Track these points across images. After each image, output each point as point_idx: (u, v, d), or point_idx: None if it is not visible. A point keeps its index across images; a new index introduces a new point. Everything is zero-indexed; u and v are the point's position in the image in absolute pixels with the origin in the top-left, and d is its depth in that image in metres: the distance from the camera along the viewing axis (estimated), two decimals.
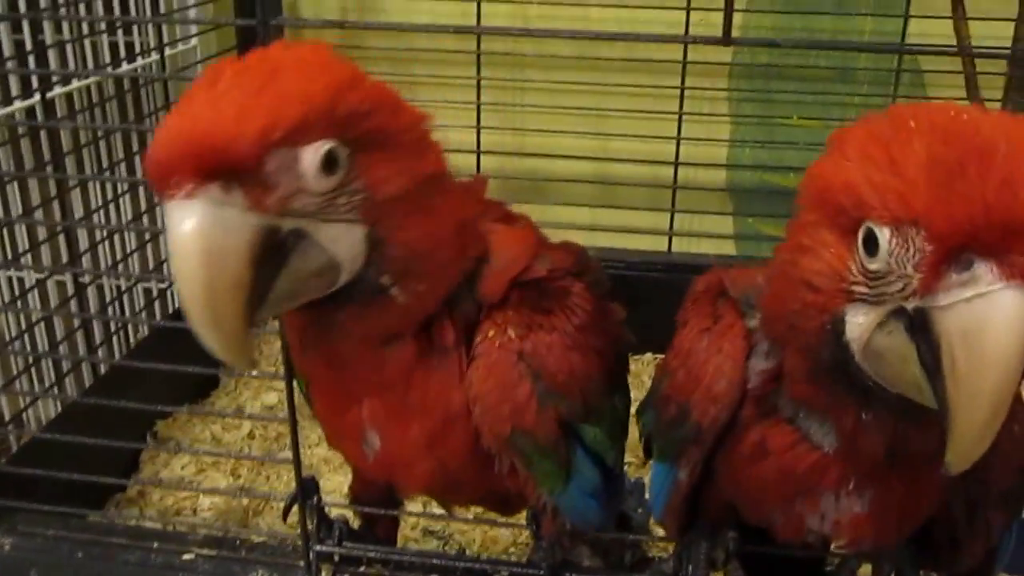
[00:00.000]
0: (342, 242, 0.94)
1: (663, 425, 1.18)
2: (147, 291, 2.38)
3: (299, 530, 1.38)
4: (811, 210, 0.91)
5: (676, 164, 2.50)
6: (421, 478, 1.21)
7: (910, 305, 0.82)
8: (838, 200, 0.86)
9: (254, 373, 2.28)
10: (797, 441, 1.04)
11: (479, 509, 1.42)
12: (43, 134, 1.98)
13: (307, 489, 1.38)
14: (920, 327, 0.82)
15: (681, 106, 2.46)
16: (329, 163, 0.90)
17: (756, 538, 1.24)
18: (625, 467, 1.64)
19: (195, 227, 0.85)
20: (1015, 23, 2.26)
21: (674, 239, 2.54)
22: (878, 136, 0.84)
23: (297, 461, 1.36)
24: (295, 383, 1.32)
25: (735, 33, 2.47)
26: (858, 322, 0.87)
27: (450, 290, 1.08)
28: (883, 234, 0.82)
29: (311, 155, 0.89)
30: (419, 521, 1.95)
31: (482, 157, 2.54)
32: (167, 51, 2.28)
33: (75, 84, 2.09)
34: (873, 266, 0.84)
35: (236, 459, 2.17)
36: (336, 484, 2.10)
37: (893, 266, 0.82)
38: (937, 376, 0.80)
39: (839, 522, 1.08)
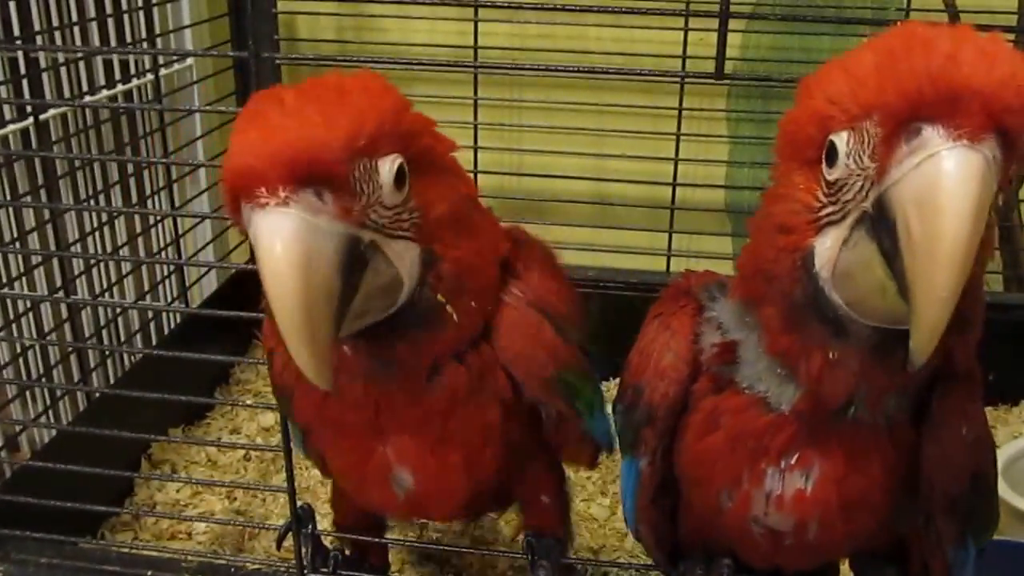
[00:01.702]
0: (405, 258, 0.97)
1: (623, 414, 1.19)
2: (142, 312, 2.36)
3: (294, 557, 1.37)
4: (783, 159, 0.96)
5: (674, 184, 2.50)
6: (455, 506, 1.23)
7: (869, 202, 0.84)
8: (804, 132, 0.90)
9: (248, 401, 2.26)
10: (750, 404, 1.05)
11: (476, 534, 1.43)
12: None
13: (302, 517, 1.37)
14: (880, 219, 0.83)
15: (679, 126, 2.46)
16: (400, 176, 0.93)
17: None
18: None
19: (292, 235, 0.84)
20: (1012, 44, 2.27)
21: (672, 259, 2.53)
22: (832, 65, 0.89)
23: (291, 489, 1.34)
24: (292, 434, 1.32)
25: (733, 52, 2.51)
26: (826, 247, 0.89)
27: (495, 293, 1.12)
28: (841, 139, 0.85)
29: (387, 166, 0.92)
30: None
31: (480, 177, 2.52)
32: (162, 71, 2.27)
33: (75, 103, 2.09)
34: (833, 176, 0.87)
35: (231, 482, 2.16)
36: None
37: (851, 166, 0.85)
38: (896, 258, 0.82)
39: (782, 500, 1.07)
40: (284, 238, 0.84)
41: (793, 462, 1.05)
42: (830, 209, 0.89)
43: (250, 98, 0.93)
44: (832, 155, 0.87)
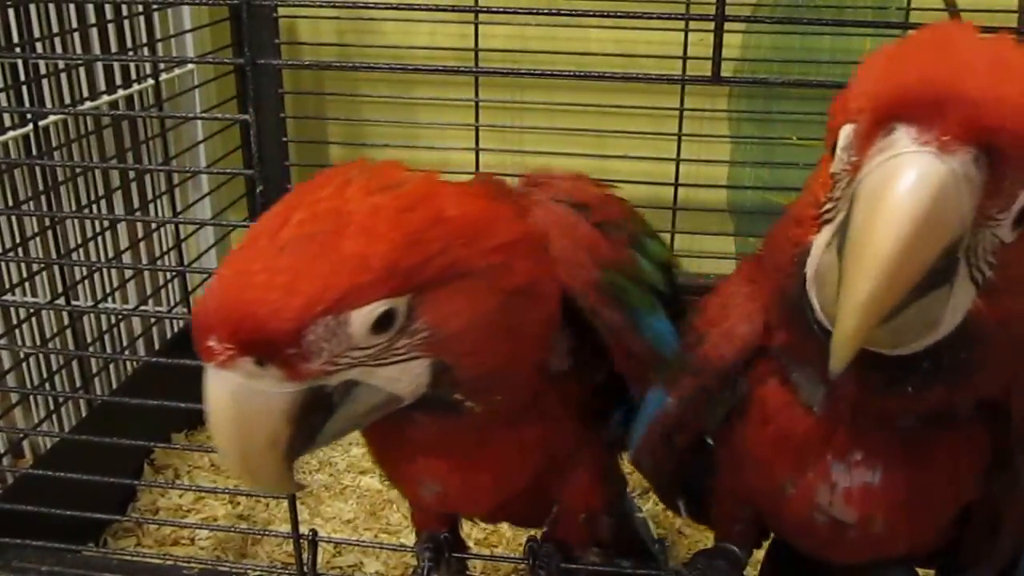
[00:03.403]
0: (403, 379, 0.92)
1: (678, 352, 1.15)
2: (144, 316, 2.36)
3: (295, 563, 1.37)
4: (826, 148, 0.90)
5: (676, 185, 2.49)
6: (485, 507, 1.25)
7: (849, 201, 0.80)
8: (830, 122, 0.87)
9: None
10: (790, 402, 1.02)
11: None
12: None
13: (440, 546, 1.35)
14: (846, 219, 0.80)
15: (680, 126, 2.45)
16: (381, 324, 0.87)
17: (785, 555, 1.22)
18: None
19: (226, 397, 0.84)
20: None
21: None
22: (869, 60, 0.85)
23: (292, 497, 1.34)
24: None
25: (733, 53, 2.50)
26: (816, 245, 0.86)
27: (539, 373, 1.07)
28: (844, 132, 0.82)
29: (362, 318, 0.85)
30: None
31: None
32: (163, 76, 2.27)
33: (73, 110, 2.09)
34: (832, 169, 0.84)
35: (233, 488, 2.16)
36: (336, 511, 2.09)
37: (843, 160, 0.82)
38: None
39: (849, 493, 1.03)
40: (219, 397, 0.84)
41: (858, 459, 1.02)
42: (829, 206, 0.85)
43: (262, 215, 0.90)
44: (834, 148, 0.84)
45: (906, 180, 0.73)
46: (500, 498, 1.19)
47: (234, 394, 0.84)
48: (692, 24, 2.36)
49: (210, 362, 0.83)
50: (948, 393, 0.87)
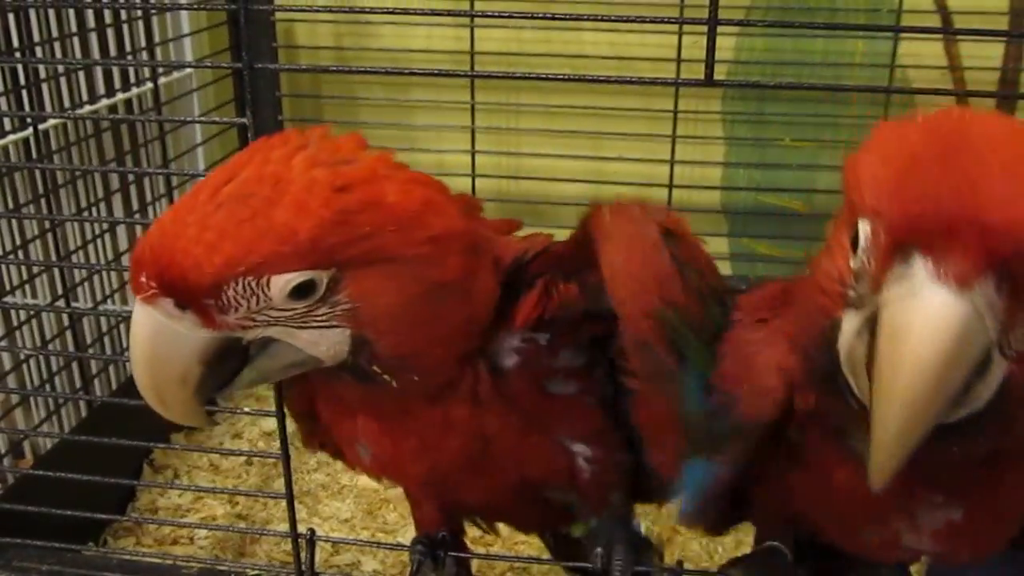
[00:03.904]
0: (322, 344, 0.95)
1: (703, 415, 1.08)
2: None
3: (293, 562, 1.38)
4: (845, 201, 0.87)
5: (671, 186, 2.50)
6: (416, 479, 1.22)
7: (874, 307, 0.79)
8: (848, 194, 0.84)
9: (246, 410, 2.28)
10: (845, 457, 0.98)
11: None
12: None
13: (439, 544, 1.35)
14: (873, 329, 0.79)
15: (674, 128, 2.47)
16: (300, 291, 0.90)
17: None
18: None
19: (143, 333, 0.89)
20: (1005, 42, 2.28)
21: None
22: (886, 134, 0.82)
23: (290, 495, 1.36)
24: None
25: (729, 56, 2.52)
26: (846, 328, 0.83)
27: (464, 357, 1.06)
28: (864, 228, 0.79)
29: (281, 284, 0.89)
30: None
31: (478, 180, 2.54)
32: (161, 80, 2.28)
33: (71, 113, 2.11)
34: (854, 264, 0.81)
35: (232, 488, 2.18)
36: (334, 510, 2.11)
37: (864, 262, 0.80)
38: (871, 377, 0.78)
39: (937, 533, 1.01)
40: (140, 330, 0.90)
41: (938, 501, 0.98)
42: (852, 293, 0.83)
43: (228, 161, 0.94)
44: (855, 242, 0.81)
45: (926, 324, 0.72)
46: (428, 470, 1.16)
47: (153, 330, 0.89)
48: (686, 27, 2.38)
49: (137, 295, 0.88)
50: (994, 445, 0.86)
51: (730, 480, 1.07)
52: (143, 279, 0.87)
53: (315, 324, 0.93)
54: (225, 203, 0.88)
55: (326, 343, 0.95)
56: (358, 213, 0.90)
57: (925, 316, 0.72)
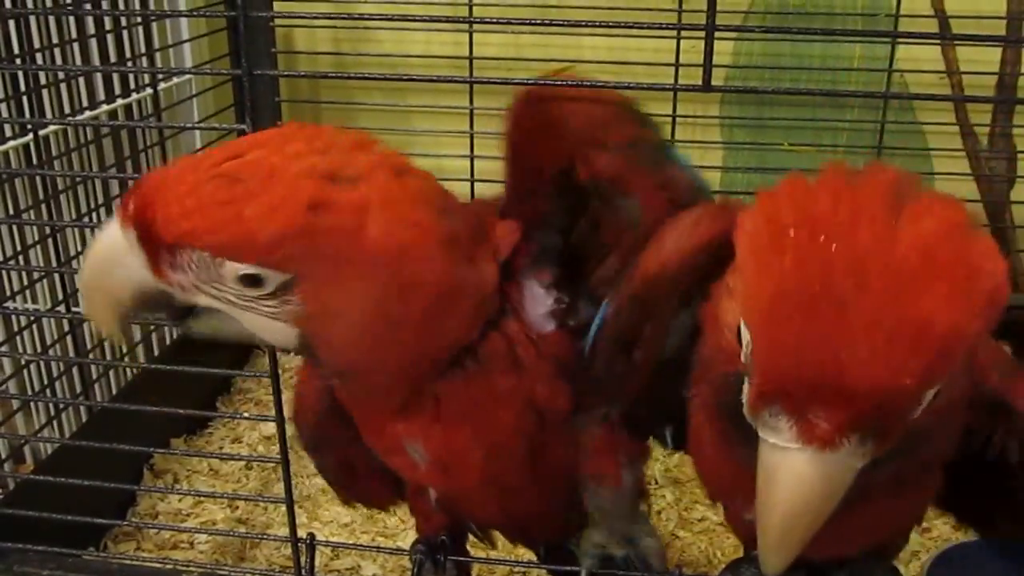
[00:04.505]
0: (267, 331, 0.96)
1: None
2: (143, 323, 2.38)
3: (293, 566, 1.39)
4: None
5: None
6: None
7: None
8: (733, 297, 0.84)
9: (246, 415, 2.28)
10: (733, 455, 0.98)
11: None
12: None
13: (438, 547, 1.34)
14: None
15: (673, 133, 2.47)
16: (250, 281, 0.91)
17: None
18: None
19: (100, 244, 0.94)
20: (1002, 47, 2.29)
21: None
22: (760, 237, 0.78)
23: (289, 500, 1.36)
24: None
25: (727, 60, 2.52)
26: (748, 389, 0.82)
27: (426, 372, 1.04)
28: (745, 334, 0.79)
29: (232, 269, 0.90)
30: None
31: (476, 186, 2.55)
32: (161, 85, 2.29)
33: (71, 120, 2.12)
34: (742, 355, 0.80)
35: (232, 492, 2.18)
36: (334, 514, 2.11)
37: (749, 364, 0.79)
38: None
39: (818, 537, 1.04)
40: (98, 242, 0.94)
41: None
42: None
43: (260, 133, 0.99)
44: (740, 338, 0.80)
45: (792, 480, 0.75)
46: (486, 459, 1.13)
47: (108, 247, 0.93)
48: (684, 31, 2.38)
49: (116, 212, 0.92)
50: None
51: (619, 332, 1.08)
52: (129, 204, 0.90)
53: (260, 312, 0.93)
54: (219, 178, 0.90)
55: (271, 332, 0.96)
56: (327, 235, 0.90)
57: (791, 473, 0.75)
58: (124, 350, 2.34)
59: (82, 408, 2.18)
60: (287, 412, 1.30)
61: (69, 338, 2.04)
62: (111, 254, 0.93)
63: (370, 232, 0.91)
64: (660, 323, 1.07)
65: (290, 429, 1.30)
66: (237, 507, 2.13)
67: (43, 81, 2.02)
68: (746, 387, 0.79)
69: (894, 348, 0.70)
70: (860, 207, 0.75)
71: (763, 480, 0.77)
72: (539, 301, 1.11)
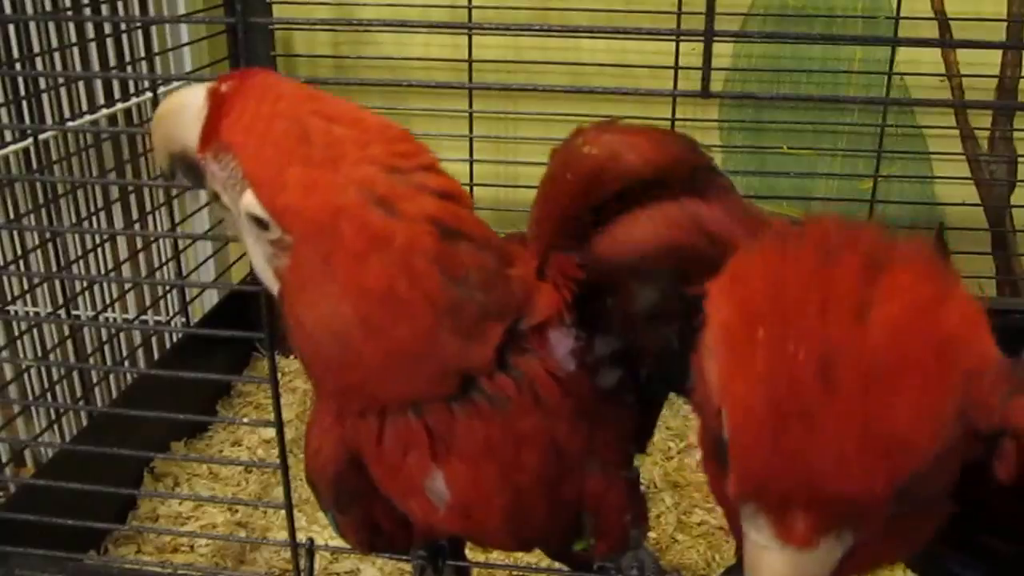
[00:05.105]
0: (257, 263, 1.00)
1: None
2: (144, 328, 2.39)
3: (292, 570, 1.39)
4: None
5: None
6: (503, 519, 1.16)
7: None
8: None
9: (245, 420, 2.28)
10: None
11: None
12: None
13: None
14: None
15: None
16: (257, 221, 0.95)
17: None
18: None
19: (176, 98, 0.99)
20: (1002, 51, 2.29)
21: None
22: (731, 329, 0.77)
23: (289, 504, 1.37)
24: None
25: (726, 62, 2.52)
26: None
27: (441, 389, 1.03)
28: (725, 420, 0.77)
29: (248, 200, 0.94)
30: None
31: (475, 189, 2.55)
32: (161, 89, 2.30)
33: (69, 125, 2.12)
34: (724, 433, 0.79)
35: (232, 495, 2.18)
36: None
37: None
38: None
39: None
40: (174, 96, 1.00)
41: None
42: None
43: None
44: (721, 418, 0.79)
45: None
46: (510, 501, 1.12)
47: (184, 98, 0.98)
48: (683, 36, 2.38)
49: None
50: None
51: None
52: (224, 86, 0.95)
53: (258, 247, 0.97)
54: (298, 126, 0.93)
55: (259, 267, 1.00)
56: (340, 233, 0.92)
57: (772, 571, 0.75)
58: (124, 354, 2.34)
59: (82, 412, 2.18)
60: (286, 416, 1.30)
61: (69, 342, 2.05)
62: (182, 108, 0.97)
63: (372, 266, 0.93)
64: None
65: (289, 434, 1.30)
66: (237, 510, 2.14)
67: (43, 85, 2.02)
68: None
69: (863, 455, 0.69)
70: (831, 294, 0.73)
71: (748, 568, 0.77)
72: (562, 341, 1.11)
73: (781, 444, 0.71)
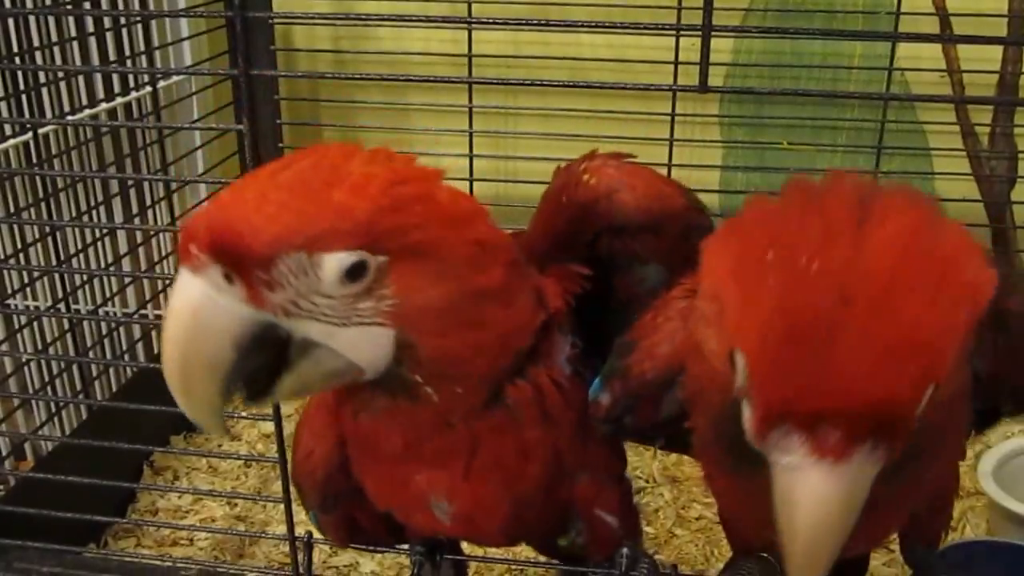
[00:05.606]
0: (364, 347, 0.92)
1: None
2: (143, 322, 2.39)
3: (291, 564, 1.40)
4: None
5: None
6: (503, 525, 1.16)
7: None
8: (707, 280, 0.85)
9: (244, 414, 2.29)
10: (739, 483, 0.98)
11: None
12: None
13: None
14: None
15: (672, 132, 2.47)
16: (353, 272, 0.88)
17: None
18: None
19: (184, 302, 0.86)
20: (1003, 46, 2.29)
21: None
22: (739, 262, 0.79)
23: (287, 499, 1.37)
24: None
25: (726, 58, 2.52)
26: (747, 415, 0.81)
27: (500, 376, 1.04)
28: (739, 362, 0.78)
29: (334, 263, 0.87)
30: None
31: (475, 184, 2.55)
32: (160, 84, 2.30)
33: (69, 119, 2.12)
34: (737, 381, 0.80)
35: (231, 489, 2.19)
36: None
37: (742, 383, 0.79)
38: None
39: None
40: (182, 300, 0.87)
41: None
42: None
43: (283, 157, 0.96)
44: (733, 364, 0.79)
45: (811, 498, 0.75)
46: (512, 511, 1.13)
47: (196, 301, 0.86)
48: (682, 33, 2.38)
49: (184, 265, 0.86)
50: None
51: (610, 413, 1.10)
52: (192, 248, 0.85)
53: (358, 321, 0.90)
54: (286, 184, 0.88)
55: (368, 346, 0.92)
56: (412, 203, 0.91)
57: (809, 489, 0.75)
58: (124, 348, 2.34)
59: (82, 406, 2.19)
60: (285, 411, 1.30)
61: (69, 336, 2.05)
62: (199, 305, 0.86)
63: (441, 197, 0.95)
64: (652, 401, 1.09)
65: (288, 428, 1.31)
66: (236, 504, 2.14)
67: (42, 80, 2.02)
68: (746, 413, 0.79)
69: (886, 361, 0.71)
70: (828, 221, 0.76)
71: (781, 503, 0.77)
72: (561, 346, 1.11)
73: (806, 355, 0.72)
